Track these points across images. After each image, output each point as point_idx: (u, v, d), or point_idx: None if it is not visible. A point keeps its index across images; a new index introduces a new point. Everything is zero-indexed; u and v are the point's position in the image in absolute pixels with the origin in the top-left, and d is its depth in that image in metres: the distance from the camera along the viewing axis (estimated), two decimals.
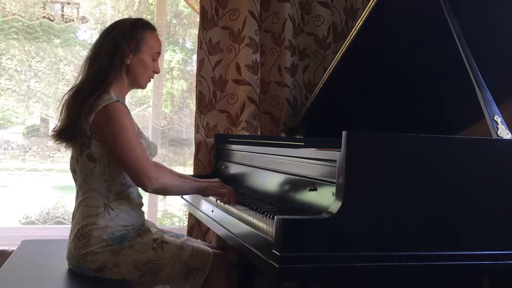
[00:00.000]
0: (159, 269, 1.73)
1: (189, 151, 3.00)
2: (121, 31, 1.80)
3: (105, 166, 1.73)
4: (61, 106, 1.80)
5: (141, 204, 1.86)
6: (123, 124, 1.68)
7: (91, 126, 1.69)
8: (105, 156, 1.72)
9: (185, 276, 1.76)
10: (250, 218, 1.52)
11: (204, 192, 1.87)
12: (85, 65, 1.82)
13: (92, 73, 1.78)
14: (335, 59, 2.14)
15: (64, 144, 1.79)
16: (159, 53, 1.90)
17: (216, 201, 1.88)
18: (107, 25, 1.93)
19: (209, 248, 1.82)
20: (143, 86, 1.91)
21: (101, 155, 1.72)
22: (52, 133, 1.80)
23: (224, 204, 1.81)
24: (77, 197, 1.81)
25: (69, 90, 1.81)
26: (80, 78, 1.82)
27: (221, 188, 1.85)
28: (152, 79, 1.94)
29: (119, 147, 1.68)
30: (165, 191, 1.85)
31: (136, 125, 1.85)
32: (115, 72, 1.77)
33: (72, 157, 1.81)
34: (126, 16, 2.93)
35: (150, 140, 2.09)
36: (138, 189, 1.83)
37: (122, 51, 1.77)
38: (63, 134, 1.76)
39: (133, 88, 1.92)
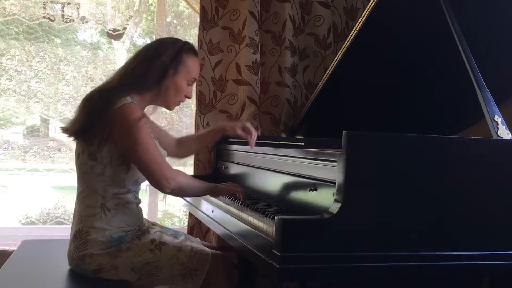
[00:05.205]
0: (156, 271, 1.72)
1: None
2: (170, 55, 1.79)
3: (105, 167, 1.71)
4: (80, 104, 1.76)
5: (139, 205, 1.84)
6: (137, 124, 1.66)
7: (106, 127, 1.67)
8: (108, 157, 1.70)
9: (183, 278, 1.74)
10: (250, 218, 1.52)
11: (215, 192, 1.86)
12: (121, 72, 1.79)
13: (125, 82, 1.75)
14: (335, 59, 2.14)
15: (73, 139, 1.76)
16: (195, 79, 1.91)
17: (234, 200, 1.85)
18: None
19: (208, 249, 1.81)
20: (170, 108, 1.90)
21: (104, 156, 1.70)
22: (63, 126, 1.77)
23: (239, 201, 1.79)
24: (76, 195, 1.80)
25: (92, 91, 1.78)
26: (109, 82, 1.79)
27: (234, 187, 1.85)
28: (182, 102, 1.92)
29: (135, 146, 1.66)
30: (181, 192, 1.81)
31: (153, 129, 1.86)
32: (150, 90, 1.78)
33: (75, 151, 1.79)
34: (126, 16, 2.93)
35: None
36: (137, 191, 1.82)
37: (167, 75, 1.78)
38: (77, 131, 1.73)
39: (157, 105, 1.90)
